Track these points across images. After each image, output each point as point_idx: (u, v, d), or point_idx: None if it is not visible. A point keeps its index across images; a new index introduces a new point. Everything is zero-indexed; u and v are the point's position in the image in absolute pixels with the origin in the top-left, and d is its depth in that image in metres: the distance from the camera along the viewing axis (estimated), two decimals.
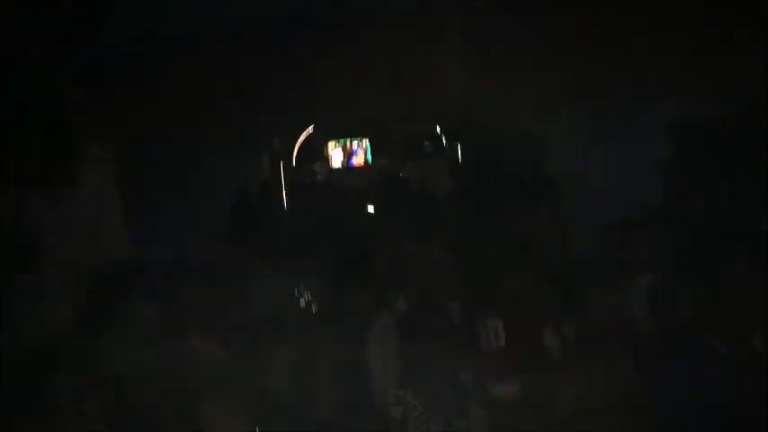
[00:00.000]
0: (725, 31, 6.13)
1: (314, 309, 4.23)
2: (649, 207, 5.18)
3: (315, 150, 11.63)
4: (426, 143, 11.88)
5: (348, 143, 12.41)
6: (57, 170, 5.02)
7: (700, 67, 6.34)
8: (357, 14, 6.60)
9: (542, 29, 6.46)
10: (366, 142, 12.41)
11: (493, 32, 6.61)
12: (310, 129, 9.49)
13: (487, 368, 3.00)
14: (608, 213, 5.27)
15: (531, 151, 6.86)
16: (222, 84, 6.63)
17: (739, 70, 6.12)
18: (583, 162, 6.53)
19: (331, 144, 12.37)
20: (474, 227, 5.05)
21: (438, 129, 11.39)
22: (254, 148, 7.57)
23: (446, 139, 11.39)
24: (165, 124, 6.59)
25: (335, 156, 12.45)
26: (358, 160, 12.50)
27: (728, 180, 5.65)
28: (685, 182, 6.03)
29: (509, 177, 6.72)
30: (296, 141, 10.05)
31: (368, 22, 6.67)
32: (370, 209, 9.12)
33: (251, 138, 7.13)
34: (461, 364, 2.82)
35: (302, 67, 6.81)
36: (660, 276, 3.55)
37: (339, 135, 12.23)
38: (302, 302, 4.44)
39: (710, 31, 6.18)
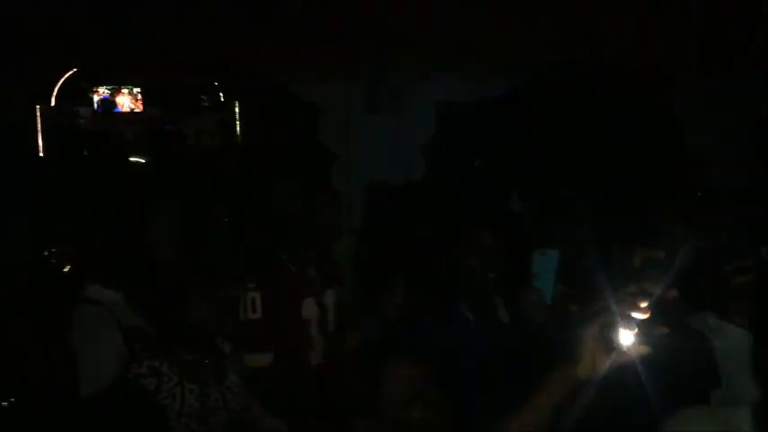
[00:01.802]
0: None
1: (66, 269, 4.02)
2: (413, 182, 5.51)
3: (79, 94, 10.80)
4: (203, 97, 11.51)
5: (117, 89, 11.66)
6: None
7: (468, 52, 6.69)
8: None
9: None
10: (137, 90, 11.75)
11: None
12: (74, 70, 8.80)
13: (244, 338, 3.06)
14: (375, 187, 5.54)
15: (306, 119, 6.95)
16: None
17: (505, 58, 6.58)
18: (353, 135, 6.74)
19: (98, 88, 11.53)
20: (243, 192, 5.05)
21: (216, 84, 11.08)
22: (5, 87, 6.91)
23: (224, 96, 11.13)
24: None
25: (102, 101, 11.63)
26: (126, 107, 11.78)
27: (484, 163, 6.14)
28: (446, 162, 6.46)
29: (283, 144, 6.78)
30: (56, 82, 9.29)
31: None
32: (137, 159, 8.77)
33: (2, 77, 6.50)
34: (219, 333, 2.85)
35: (69, 4, 6.29)
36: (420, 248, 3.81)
37: (107, 79, 11.44)
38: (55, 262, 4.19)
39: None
